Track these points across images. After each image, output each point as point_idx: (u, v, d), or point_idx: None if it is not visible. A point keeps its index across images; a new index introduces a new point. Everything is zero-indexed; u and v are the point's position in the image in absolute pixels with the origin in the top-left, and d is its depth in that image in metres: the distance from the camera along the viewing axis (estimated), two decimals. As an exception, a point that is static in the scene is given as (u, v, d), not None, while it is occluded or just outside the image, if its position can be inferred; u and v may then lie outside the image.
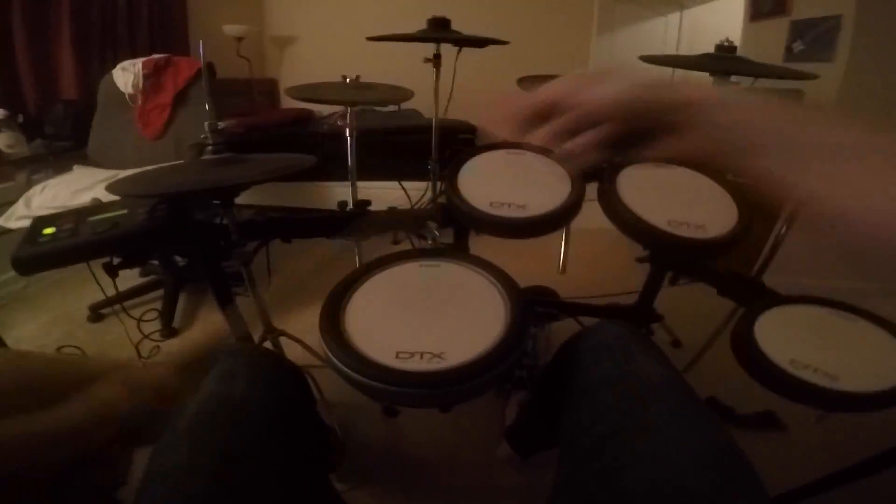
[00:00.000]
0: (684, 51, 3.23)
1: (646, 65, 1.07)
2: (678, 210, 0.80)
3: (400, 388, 0.54)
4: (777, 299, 0.87)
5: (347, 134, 1.13)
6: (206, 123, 0.77)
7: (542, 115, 0.38)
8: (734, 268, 1.01)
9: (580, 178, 0.86)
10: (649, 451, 0.45)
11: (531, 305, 0.66)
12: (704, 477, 0.41)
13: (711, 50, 1.07)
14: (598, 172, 0.92)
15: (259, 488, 0.44)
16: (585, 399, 0.57)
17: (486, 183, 0.84)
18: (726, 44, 1.05)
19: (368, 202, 1.03)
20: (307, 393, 0.70)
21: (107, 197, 1.23)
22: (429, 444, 1.20)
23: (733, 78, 1.09)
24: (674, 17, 3.19)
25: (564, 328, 0.87)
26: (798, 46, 1.93)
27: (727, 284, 1.00)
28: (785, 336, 0.76)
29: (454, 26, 1.23)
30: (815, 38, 1.84)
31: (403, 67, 1.56)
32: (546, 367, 0.75)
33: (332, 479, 1.02)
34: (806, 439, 1.23)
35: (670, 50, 3.24)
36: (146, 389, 0.24)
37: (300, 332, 1.23)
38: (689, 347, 1.47)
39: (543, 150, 0.95)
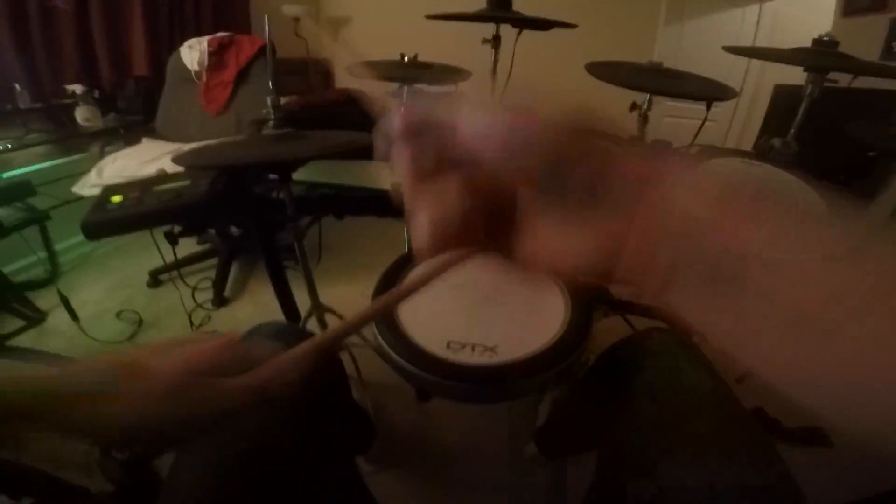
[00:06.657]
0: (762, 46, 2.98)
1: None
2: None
3: (447, 381, 0.52)
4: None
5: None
6: (268, 98, 0.77)
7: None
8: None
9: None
10: (688, 472, 0.44)
11: (592, 304, 0.62)
12: None
13: (794, 46, 1.03)
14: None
15: (285, 464, 0.45)
16: (626, 407, 0.56)
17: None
18: (825, 38, 0.99)
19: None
20: (343, 379, 0.70)
21: (172, 168, 1.28)
22: (457, 432, 1.18)
23: (831, 75, 1.01)
24: (752, 10, 2.91)
25: (607, 329, 0.83)
26: (899, 45, 1.81)
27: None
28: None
29: (516, 7, 1.17)
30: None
31: (460, 49, 1.51)
32: (587, 372, 0.72)
33: (359, 462, 1.03)
34: (852, 457, 1.11)
35: (745, 45, 2.94)
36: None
37: (346, 310, 1.23)
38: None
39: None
